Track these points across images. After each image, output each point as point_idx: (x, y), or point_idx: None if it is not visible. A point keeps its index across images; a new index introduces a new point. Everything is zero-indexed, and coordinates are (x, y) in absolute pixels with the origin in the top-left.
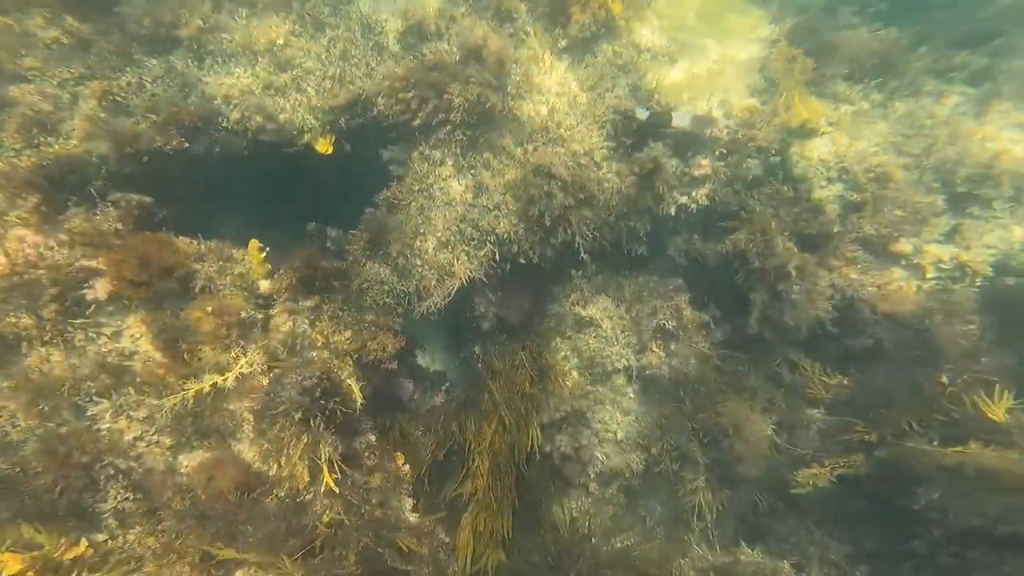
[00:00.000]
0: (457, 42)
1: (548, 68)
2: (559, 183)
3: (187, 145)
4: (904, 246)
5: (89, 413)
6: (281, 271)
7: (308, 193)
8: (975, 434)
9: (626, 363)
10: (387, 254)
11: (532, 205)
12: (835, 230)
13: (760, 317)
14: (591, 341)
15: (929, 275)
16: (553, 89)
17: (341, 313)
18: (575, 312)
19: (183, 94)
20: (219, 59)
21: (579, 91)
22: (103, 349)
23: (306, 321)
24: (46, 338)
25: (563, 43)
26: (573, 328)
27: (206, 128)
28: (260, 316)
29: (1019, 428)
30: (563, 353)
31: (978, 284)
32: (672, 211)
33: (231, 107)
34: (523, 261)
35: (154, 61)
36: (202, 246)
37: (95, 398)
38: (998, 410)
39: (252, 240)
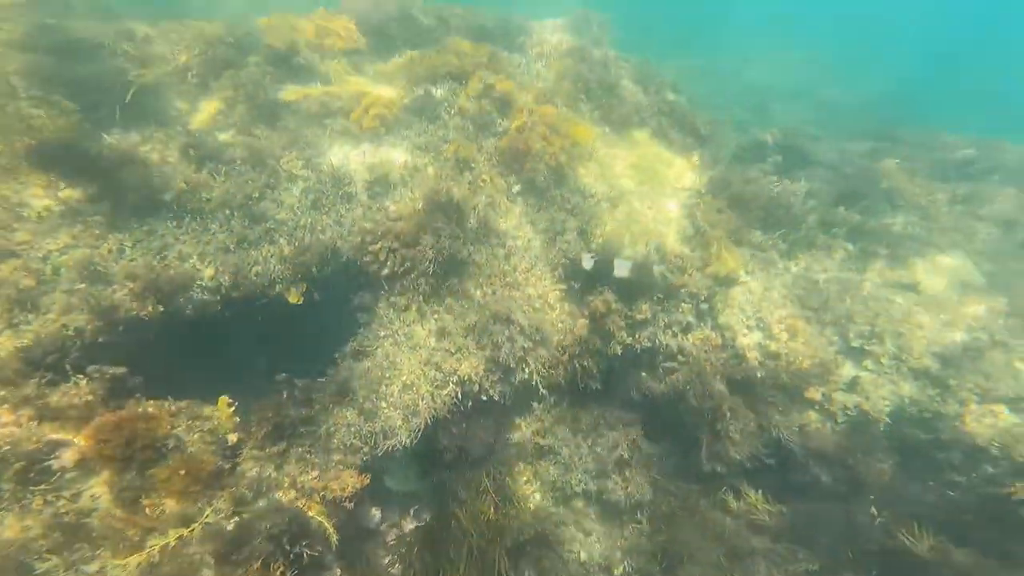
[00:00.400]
0: (421, 192)
1: (505, 212)
2: (518, 327)
3: (162, 309)
4: (814, 393)
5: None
6: (251, 422)
7: (279, 341)
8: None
9: (584, 488)
10: (354, 399)
11: (495, 350)
12: (758, 375)
13: (709, 454)
14: (551, 468)
15: (839, 420)
16: (510, 232)
17: (308, 456)
18: (536, 441)
19: (161, 257)
20: (197, 218)
21: (533, 234)
22: (61, 510)
23: (272, 465)
24: (2, 506)
25: (516, 188)
26: (534, 456)
27: (181, 290)
28: (228, 465)
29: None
30: (526, 478)
31: (881, 428)
32: (619, 351)
33: (206, 264)
34: (484, 398)
35: (136, 225)
36: (173, 407)
37: (44, 555)
38: (922, 546)
39: (222, 397)
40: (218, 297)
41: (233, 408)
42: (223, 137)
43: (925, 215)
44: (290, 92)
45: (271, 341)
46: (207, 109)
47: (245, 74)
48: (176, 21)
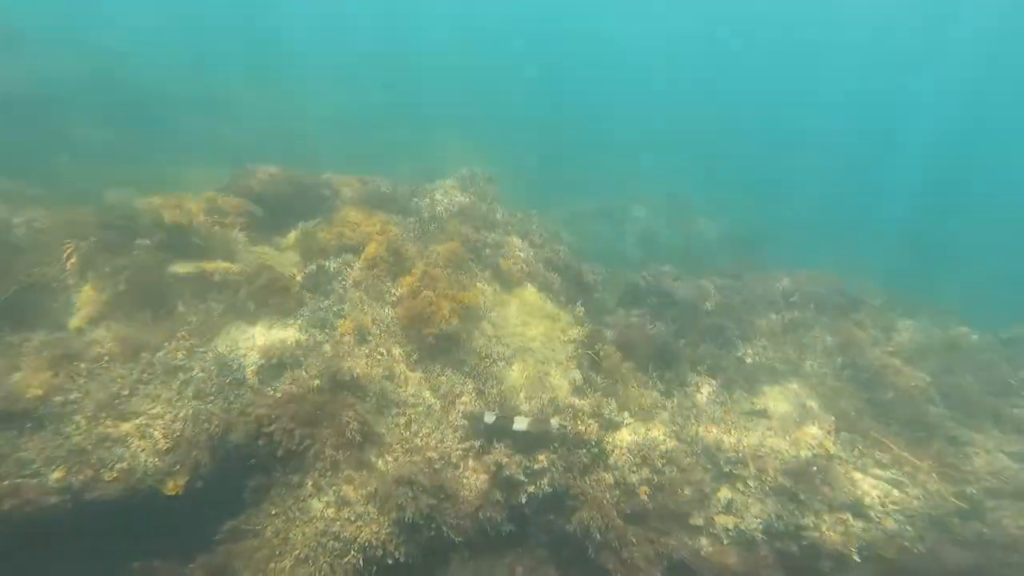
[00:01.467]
0: (318, 370)
1: (404, 381)
2: (420, 487)
3: None
4: (698, 519)
5: None
6: None
7: (157, 532)
8: None
9: None
10: None
11: (400, 511)
12: (648, 507)
13: None
14: None
15: (725, 541)
16: (409, 400)
17: None
18: None
19: None
20: (53, 424)
21: (433, 399)
22: None
23: None
24: None
25: (415, 356)
26: None
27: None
28: None
29: None
30: None
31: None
32: (523, 499)
33: (53, 468)
34: (390, 561)
35: None
36: None
37: None
38: None
39: None
40: (67, 497)
41: None
42: (97, 333)
43: (767, 347)
44: (182, 266)
45: (145, 533)
46: (85, 302)
47: (129, 259)
48: (46, 208)
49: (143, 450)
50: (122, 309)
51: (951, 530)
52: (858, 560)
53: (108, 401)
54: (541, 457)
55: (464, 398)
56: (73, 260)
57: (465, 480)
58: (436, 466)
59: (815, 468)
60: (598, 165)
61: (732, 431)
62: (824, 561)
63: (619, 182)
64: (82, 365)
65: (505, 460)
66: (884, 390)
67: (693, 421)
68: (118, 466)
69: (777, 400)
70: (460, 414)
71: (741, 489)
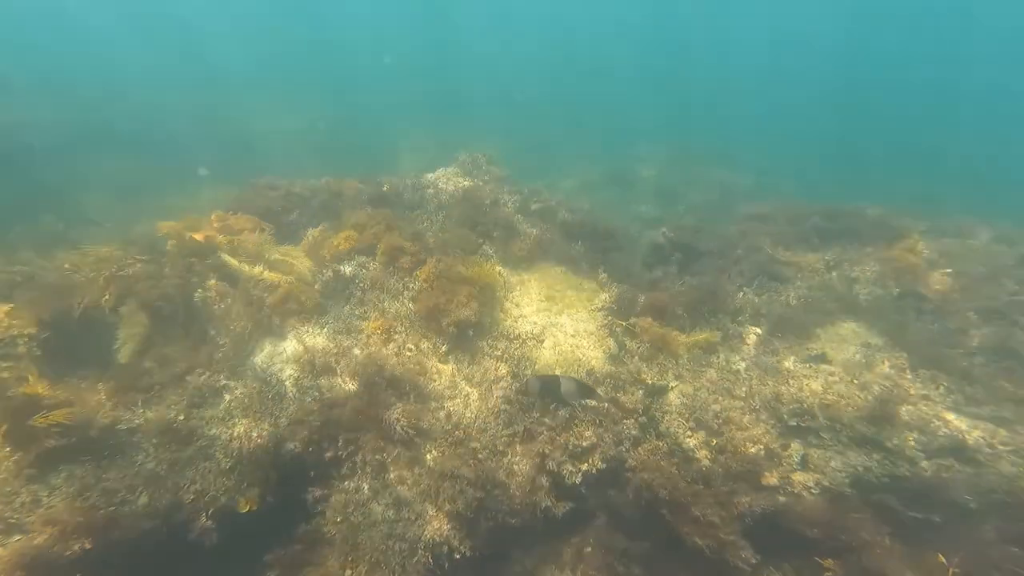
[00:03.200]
0: (352, 375)
1: (437, 374)
2: (466, 481)
3: (89, 547)
4: (771, 478)
5: None
6: None
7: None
8: None
9: None
10: None
11: (451, 505)
12: (713, 470)
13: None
14: None
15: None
16: (445, 393)
17: None
18: None
19: (83, 497)
20: (119, 453)
21: (469, 388)
22: None
23: None
24: None
25: (444, 348)
26: None
27: (112, 524)
28: None
29: None
30: None
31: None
32: (577, 479)
33: (137, 495)
34: (458, 556)
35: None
36: None
37: None
38: None
39: None
40: (159, 521)
41: None
42: (144, 363)
43: (811, 285)
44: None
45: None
46: (127, 335)
47: (159, 289)
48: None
49: (210, 471)
50: (163, 336)
51: None
52: (974, 507)
53: (167, 427)
54: (588, 433)
55: (501, 383)
56: (108, 295)
57: (515, 467)
58: (480, 456)
59: (898, 411)
60: (597, 135)
61: (791, 380)
62: (934, 512)
63: (620, 147)
64: (137, 396)
65: (550, 444)
66: (954, 317)
67: (744, 375)
68: (192, 488)
69: (834, 342)
70: (500, 399)
71: (815, 442)
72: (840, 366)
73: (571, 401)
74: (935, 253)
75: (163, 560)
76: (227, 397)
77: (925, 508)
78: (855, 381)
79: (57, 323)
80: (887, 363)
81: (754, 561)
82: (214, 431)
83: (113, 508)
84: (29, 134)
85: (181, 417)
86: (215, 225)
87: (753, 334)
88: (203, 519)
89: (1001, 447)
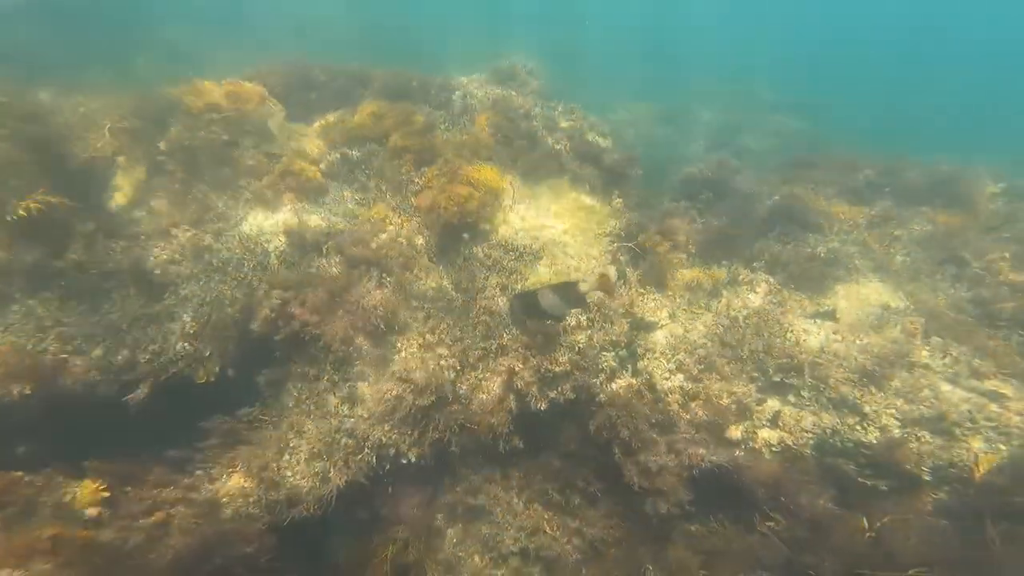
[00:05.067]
0: (339, 256)
1: (425, 273)
2: (420, 388)
3: (28, 392)
4: (735, 431)
5: None
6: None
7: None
8: None
9: (522, 545)
10: (248, 469)
11: (397, 410)
12: (680, 416)
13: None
14: (483, 527)
15: (767, 457)
16: (429, 294)
17: (195, 524)
18: (466, 501)
19: (39, 339)
20: (84, 297)
21: (454, 293)
22: None
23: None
24: None
25: (437, 249)
26: (466, 518)
27: (58, 372)
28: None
29: None
30: (455, 540)
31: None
32: (542, 406)
33: (93, 345)
34: (404, 462)
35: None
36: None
37: None
38: None
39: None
40: (111, 376)
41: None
42: (136, 213)
43: (845, 239)
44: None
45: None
46: (122, 182)
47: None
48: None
49: (174, 333)
50: (159, 188)
51: None
52: (929, 479)
53: (141, 278)
54: (563, 359)
55: (487, 293)
56: (105, 141)
57: (482, 383)
58: (443, 363)
59: (890, 377)
60: (664, 77)
61: (787, 334)
62: (887, 479)
63: (684, 88)
64: (122, 243)
65: (522, 363)
66: (999, 289)
67: (742, 323)
68: (151, 348)
69: (851, 300)
70: (481, 309)
71: (793, 400)
72: (847, 326)
73: (556, 314)
74: (999, 218)
75: (103, 418)
76: (207, 258)
77: (878, 475)
78: (857, 342)
79: (56, 168)
80: (899, 327)
81: (687, 509)
82: (186, 290)
83: (65, 356)
84: None
85: (157, 271)
86: (220, 92)
87: (764, 282)
88: (145, 387)
89: (984, 423)
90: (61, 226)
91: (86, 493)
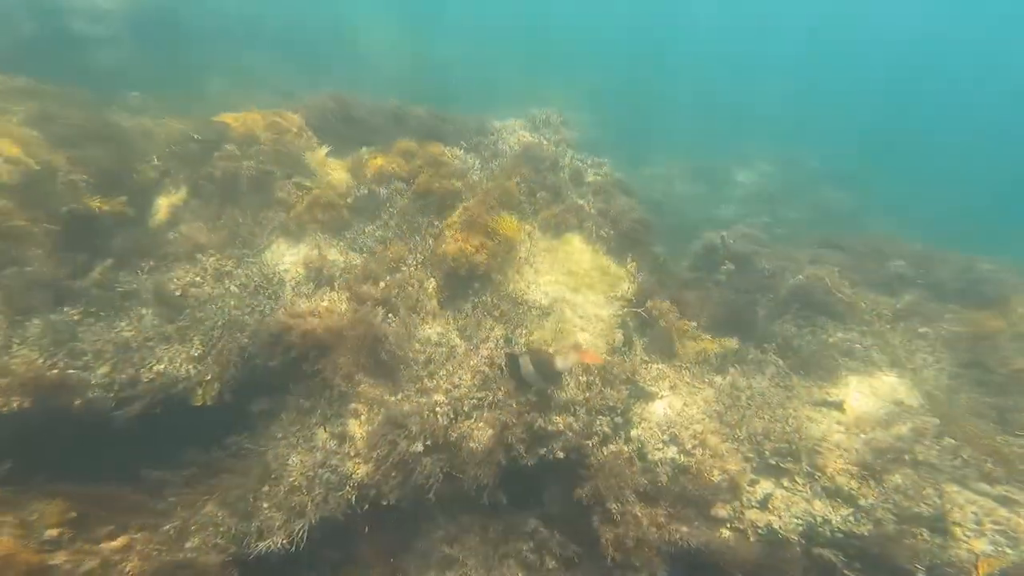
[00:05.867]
0: (350, 293)
1: (432, 317)
2: (411, 433)
3: (27, 405)
4: (721, 509)
5: None
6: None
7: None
8: None
9: None
10: (224, 498)
11: (386, 453)
12: (667, 489)
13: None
14: None
15: (752, 539)
16: (432, 339)
17: (157, 552)
18: (441, 550)
19: (51, 353)
20: (105, 312)
21: (458, 340)
22: None
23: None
24: None
25: (447, 293)
26: (439, 567)
27: (63, 388)
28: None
29: None
30: None
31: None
32: (530, 463)
33: (101, 363)
34: (384, 503)
35: (36, 321)
36: None
37: None
38: None
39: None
40: (110, 395)
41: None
42: (170, 235)
43: (866, 330)
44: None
45: (174, 440)
46: (162, 204)
47: (206, 168)
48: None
49: (181, 355)
50: (193, 213)
51: None
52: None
53: (161, 299)
54: (559, 419)
55: (490, 343)
56: (153, 165)
57: (474, 432)
58: (437, 411)
59: (892, 473)
60: (707, 129)
61: (789, 420)
62: (876, 574)
63: (725, 146)
64: (151, 262)
65: (515, 418)
66: (1016, 396)
67: (744, 403)
68: (156, 367)
69: (862, 393)
70: (483, 359)
71: (786, 485)
72: (853, 418)
73: (531, 382)
74: None
75: (94, 436)
76: (227, 283)
77: (867, 569)
78: (862, 435)
79: (110, 179)
80: (909, 425)
81: None
82: (202, 314)
83: (74, 372)
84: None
85: (178, 293)
86: (263, 122)
87: (773, 364)
88: (140, 404)
89: (991, 526)
90: (104, 237)
91: (53, 513)
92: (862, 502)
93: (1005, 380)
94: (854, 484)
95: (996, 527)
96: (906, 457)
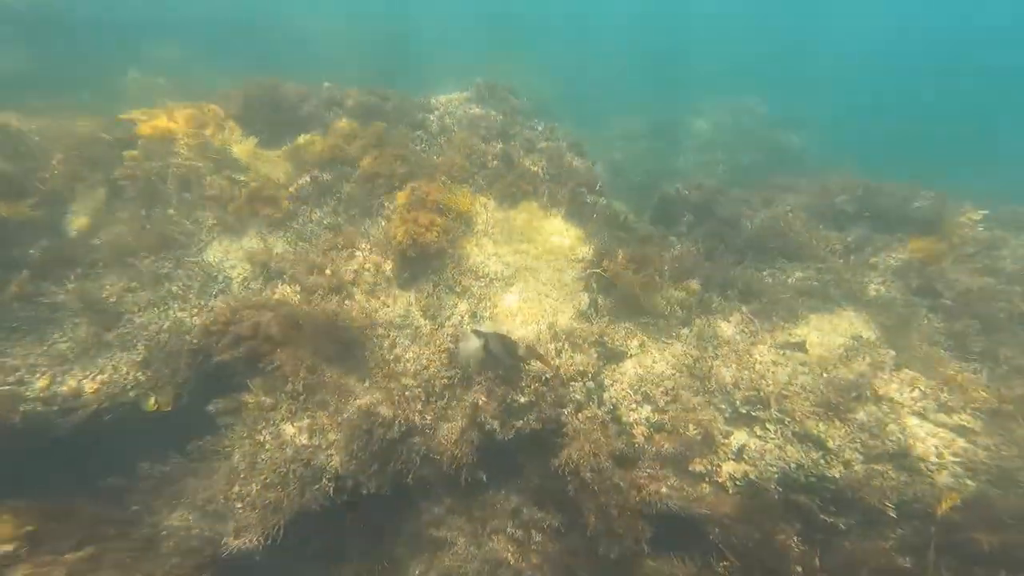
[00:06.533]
0: (303, 283)
1: (393, 300)
2: (385, 418)
3: None
4: (699, 465)
5: None
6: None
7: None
8: None
9: None
10: (192, 502)
11: (361, 441)
12: (644, 449)
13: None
14: (447, 559)
15: (731, 491)
16: (395, 321)
17: (129, 560)
18: (429, 533)
19: None
20: (31, 327)
21: (422, 320)
22: None
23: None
24: None
25: (407, 274)
26: (430, 548)
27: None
28: None
29: None
30: (418, 572)
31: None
32: (508, 436)
33: (37, 376)
34: (364, 492)
35: None
36: None
37: None
38: None
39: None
40: (54, 408)
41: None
42: (94, 241)
43: (821, 267)
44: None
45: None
46: (83, 209)
47: (119, 168)
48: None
49: (125, 361)
50: (118, 214)
51: None
52: (894, 516)
53: (94, 306)
54: (529, 389)
55: (453, 320)
56: (59, 170)
57: (447, 412)
58: (408, 394)
59: (856, 411)
60: (665, 85)
61: (756, 366)
62: (849, 516)
63: (680, 102)
64: (78, 270)
65: (486, 395)
66: (973, 320)
67: (711, 353)
68: (99, 377)
69: (823, 331)
70: (448, 338)
71: (759, 434)
72: (816, 357)
73: (503, 362)
74: (978, 247)
75: (43, 449)
76: (167, 285)
77: (842, 511)
78: (824, 375)
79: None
80: (867, 359)
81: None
82: (143, 319)
83: (7, 388)
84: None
85: (112, 300)
86: (183, 115)
87: (737, 311)
88: (85, 413)
89: (951, 458)
90: (18, 247)
91: (6, 528)
92: (830, 444)
93: (954, 303)
94: (822, 427)
95: (955, 459)
96: (867, 393)
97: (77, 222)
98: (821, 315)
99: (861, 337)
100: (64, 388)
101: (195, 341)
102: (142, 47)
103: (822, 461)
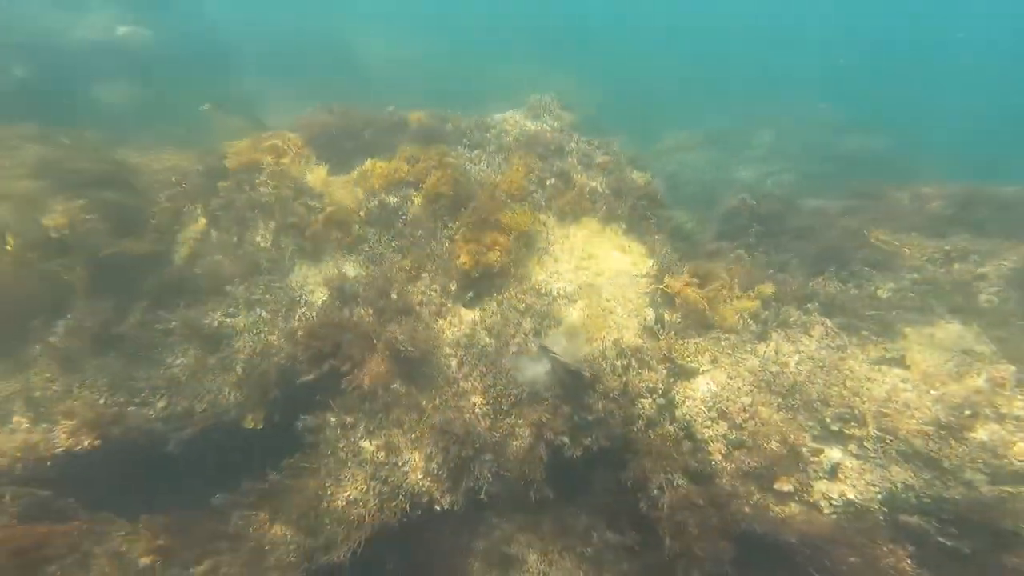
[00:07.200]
0: (374, 305)
1: (458, 320)
2: (457, 437)
3: (98, 443)
4: (786, 483)
5: None
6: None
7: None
8: None
9: None
10: (288, 517)
11: (437, 460)
12: (722, 467)
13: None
14: None
15: (826, 511)
16: (462, 341)
17: (242, 573)
18: (501, 550)
19: (110, 393)
20: (153, 352)
21: (487, 339)
22: None
23: None
24: None
25: (471, 294)
26: (501, 566)
27: (124, 424)
28: None
29: None
30: None
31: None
32: (576, 453)
33: (158, 397)
34: (437, 508)
35: (93, 361)
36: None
37: None
38: None
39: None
40: (171, 427)
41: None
42: (196, 269)
43: (917, 277)
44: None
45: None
46: (186, 239)
47: (218, 200)
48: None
49: (227, 384)
50: (215, 243)
51: None
52: None
53: (199, 332)
54: (597, 406)
55: (518, 339)
56: (167, 204)
57: (516, 430)
58: (478, 412)
59: (974, 429)
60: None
61: (847, 382)
62: (979, 539)
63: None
64: (186, 298)
65: (551, 413)
66: None
67: (794, 369)
68: (207, 398)
69: (924, 346)
70: (512, 356)
71: (855, 452)
72: (919, 373)
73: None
74: None
75: (157, 467)
76: (258, 311)
77: (965, 534)
78: (931, 392)
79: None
80: (983, 375)
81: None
82: (239, 343)
83: (133, 408)
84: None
85: (214, 325)
86: (266, 146)
87: (819, 325)
88: (193, 430)
89: None
90: (135, 279)
91: (142, 543)
92: (945, 464)
93: None
94: (932, 445)
95: None
96: (987, 411)
97: (181, 251)
98: (920, 328)
99: (973, 351)
100: (179, 408)
101: (283, 362)
102: (216, 80)
103: (937, 482)
